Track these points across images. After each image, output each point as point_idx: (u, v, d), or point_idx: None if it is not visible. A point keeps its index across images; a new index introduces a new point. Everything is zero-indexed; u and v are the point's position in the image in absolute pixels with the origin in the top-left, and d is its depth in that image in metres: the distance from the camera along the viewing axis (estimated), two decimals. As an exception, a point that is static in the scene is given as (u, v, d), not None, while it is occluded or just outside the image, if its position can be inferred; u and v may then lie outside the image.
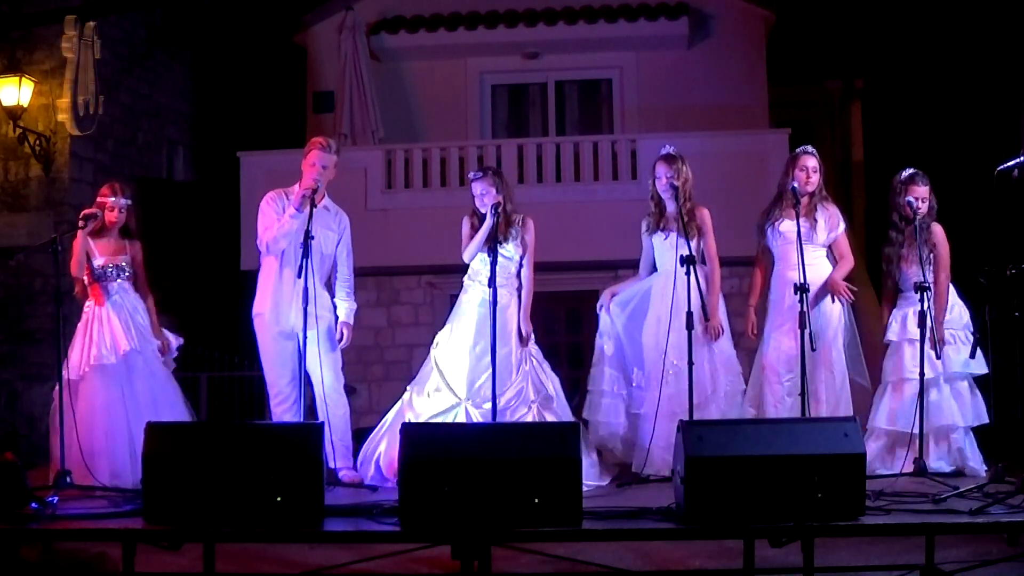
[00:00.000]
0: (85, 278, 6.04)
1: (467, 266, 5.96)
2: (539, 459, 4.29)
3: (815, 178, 6.02)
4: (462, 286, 6.01)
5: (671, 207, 6.01)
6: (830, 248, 6.07)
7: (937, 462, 5.79)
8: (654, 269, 6.13)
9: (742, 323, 6.16)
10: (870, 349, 6.26)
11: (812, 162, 6.03)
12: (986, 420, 5.85)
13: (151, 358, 6.08)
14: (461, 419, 5.60)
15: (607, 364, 6.08)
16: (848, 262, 6.04)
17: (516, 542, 4.47)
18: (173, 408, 6.00)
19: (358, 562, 4.70)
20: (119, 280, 6.09)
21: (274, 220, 5.91)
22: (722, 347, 5.99)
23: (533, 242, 5.90)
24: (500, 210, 5.72)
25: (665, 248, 6.01)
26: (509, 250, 5.81)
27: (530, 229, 5.89)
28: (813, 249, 5.92)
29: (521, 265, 5.89)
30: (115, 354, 5.90)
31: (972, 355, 5.76)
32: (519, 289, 5.89)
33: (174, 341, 6.26)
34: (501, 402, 5.58)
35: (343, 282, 6.10)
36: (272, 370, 5.98)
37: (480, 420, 5.53)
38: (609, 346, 6.11)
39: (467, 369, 5.72)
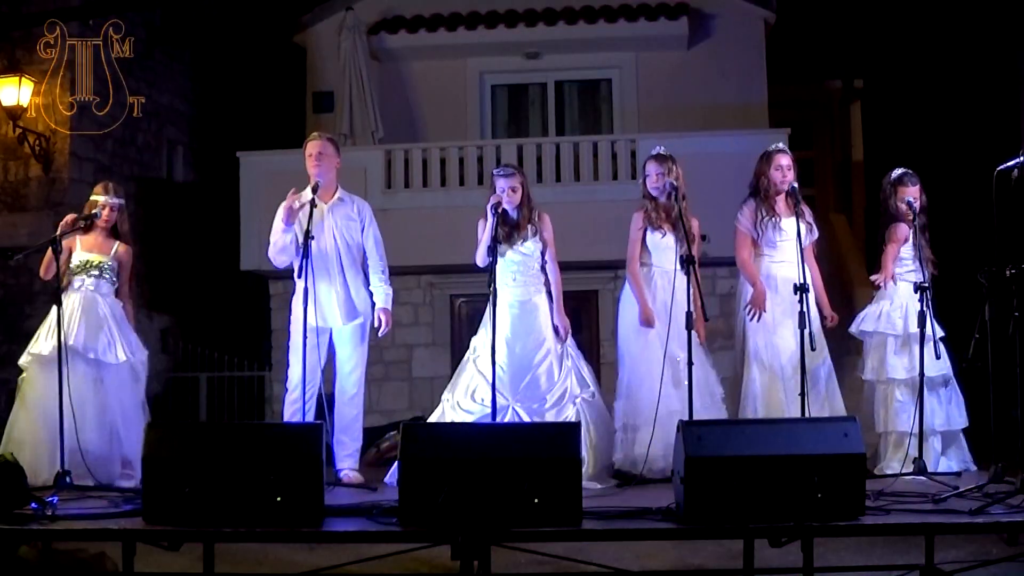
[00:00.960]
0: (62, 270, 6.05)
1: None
2: (539, 459, 4.28)
3: (790, 175, 6.02)
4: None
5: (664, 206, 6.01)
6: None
7: (962, 463, 5.92)
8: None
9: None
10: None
11: (786, 160, 6.04)
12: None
13: (113, 363, 5.99)
14: (509, 419, 5.56)
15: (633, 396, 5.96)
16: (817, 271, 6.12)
17: (516, 542, 4.47)
18: (125, 417, 5.95)
19: (358, 562, 4.70)
20: (96, 278, 6.07)
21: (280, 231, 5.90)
22: (707, 351, 6.07)
23: (552, 236, 5.88)
24: (508, 208, 5.72)
25: (661, 247, 6.00)
26: (528, 247, 5.80)
27: (547, 224, 5.88)
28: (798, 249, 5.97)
29: (544, 261, 5.88)
30: (66, 349, 5.73)
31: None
32: (546, 284, 5.88)
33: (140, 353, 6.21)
34: (549, 401, 5.61)
35: (375, 268, 6.04)
36: (297, 367, 5.86)
37: (528, 420, 5.52)
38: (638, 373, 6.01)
39: (510, 371, 5.67)
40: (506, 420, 5.55)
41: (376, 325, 6.01)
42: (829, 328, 6.07)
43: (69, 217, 6.09)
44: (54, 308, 5.81)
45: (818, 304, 5.99)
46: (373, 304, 6.05)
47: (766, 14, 11.61)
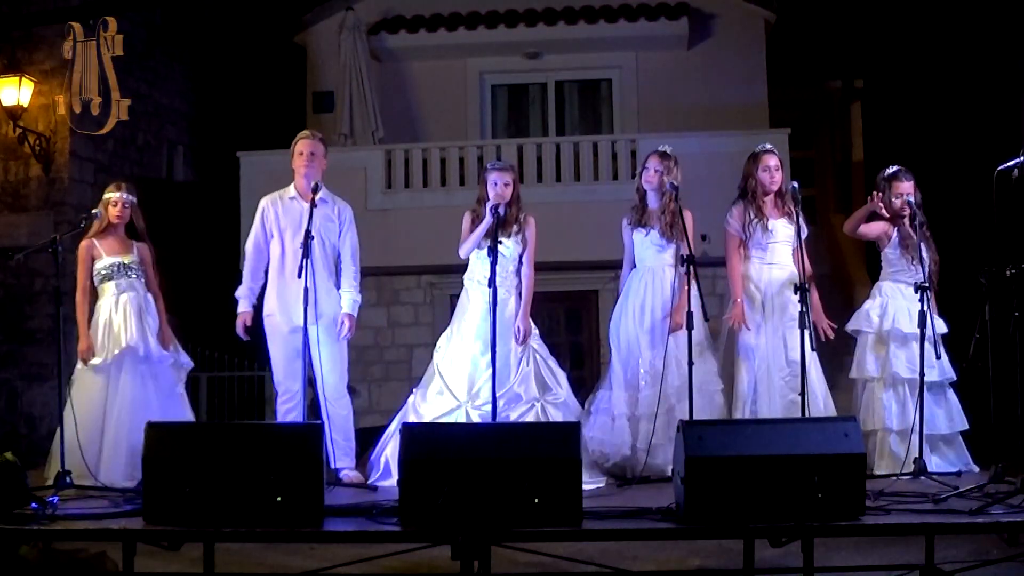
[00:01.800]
0: (94, 280, 6.12)
1: (467, 265, 5.94)
2: (539, 459, 4.29)
3: (778, 176, 6.04)
4: (462, 286, 5.99)
5: (654, 204, 6.01)
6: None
7: (964, 465, 5.88)
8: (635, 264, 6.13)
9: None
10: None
11: (774, 160, 6.05)
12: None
13: (150, 360, 6.06)
14: (461, 420, 5.57)
15: (617, 386, 6.01)
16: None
17: (516, 542, 4.47)
18: (161, 412, 5.90)
19: (358, 562, 4.70)
20: (126, 278, 6.12)
21: (260, 235, 6.09)
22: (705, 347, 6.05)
23: (534, 240, 5.84)
24: (499, 209, 5.67)
25: (645, 245, 6.00)
26: (508, 247, 5.75)
27: (531, 227, 5.84)
28: (789, 249, 5.95)
29: (520, 263, 5.85)
30: (107, 351, 5.90)
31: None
32: (518, 287, 5.85)
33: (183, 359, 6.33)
34: (500, 403, 5.54)
35: (347, 273, 6.00)
36: (280, 369, 5.96)
37: (478, 421, 5.50)
38: (619, 368, 6.06)
39: (467, 371, 5.67)
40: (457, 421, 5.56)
41: (337, 328, 5.94)
42: (826, 341, 6.01)
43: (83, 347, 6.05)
44: (98, 314, 6.01)
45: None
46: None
47: (766, 14, 11.61)
